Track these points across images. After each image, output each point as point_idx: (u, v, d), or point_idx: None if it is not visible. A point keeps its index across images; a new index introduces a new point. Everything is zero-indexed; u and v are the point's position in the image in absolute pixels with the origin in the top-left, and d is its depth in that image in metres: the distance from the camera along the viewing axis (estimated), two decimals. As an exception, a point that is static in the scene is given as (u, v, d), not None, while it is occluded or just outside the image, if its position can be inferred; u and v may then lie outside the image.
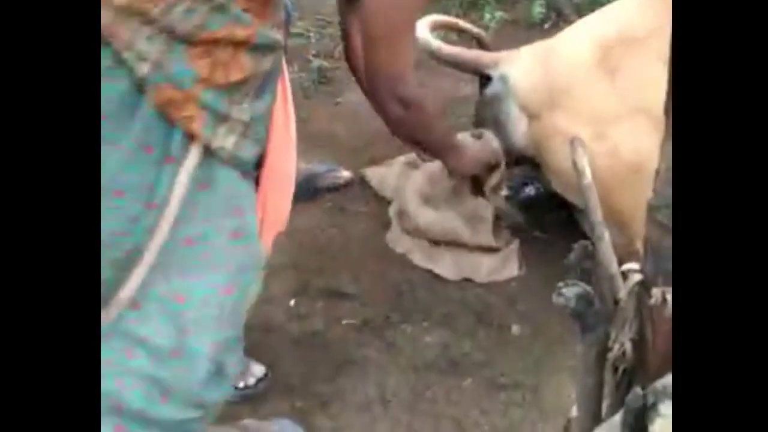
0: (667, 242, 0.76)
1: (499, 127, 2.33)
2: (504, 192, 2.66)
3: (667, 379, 0.79)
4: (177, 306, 1.16)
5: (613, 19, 2.27)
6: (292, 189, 1.36)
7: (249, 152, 1.18)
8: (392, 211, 2.49)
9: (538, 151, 2.27)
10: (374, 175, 2.64)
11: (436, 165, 2.34)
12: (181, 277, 1.15)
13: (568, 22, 3.16)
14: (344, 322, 2.16)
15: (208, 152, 1.13)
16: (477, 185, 2.34)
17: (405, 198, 2.42)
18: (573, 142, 1.00)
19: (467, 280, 2.31)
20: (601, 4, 3.07)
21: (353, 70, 2.14)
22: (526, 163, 2.42)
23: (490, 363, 2.06)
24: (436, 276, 2.32)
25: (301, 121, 2.88)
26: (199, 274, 1.17)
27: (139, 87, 1.06)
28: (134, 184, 1.09)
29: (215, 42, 1.09)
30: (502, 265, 2.33)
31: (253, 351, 2.02)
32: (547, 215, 2.52)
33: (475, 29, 2.70)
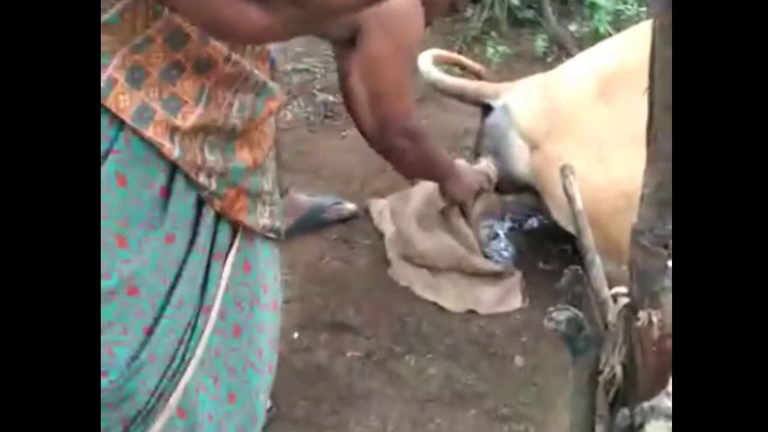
0: (652, 265, 0.78)
1: (501, 156, 2.37)
2: (508, 223, 2.71)
3: (655, 400, 0.80)
4: (228, 408, 1.12)
5: (613, 52, 2.30)
6: None
7: (279, 219, 1.17)
8: (388, 240, 2.50)
9: (538, 180, 2.30)
10: (376, 208, 2.66)
11: (431, 185, 2.39)
12: (232, 377, 1.12)
13: (571, 56, 3.19)
14: (348, 354, 2.17)
15: (247, 233, 1.10)
16: (462, 210, 2.39)
17: (403, 219, 2.44)
18: (564, 169, 1.01)
19: (471, 311, 2.32)
20: (603, 38, 3.12)
21: (350, 108, 2.19)
22: (528, 192, 2.44)
23: (494, 394, 2.05)
24: (440, 308, 2.32)
25: (305, 154, 2.96)
26: (248, 365, 1.13)
27: (202, 197, 1.03)
28: (191, 290, 1.05)
29: (255, 126, 1.08)
30: (505, 297, 2.34)
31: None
32: (551, 247, 2.53)
33: (476, 65, 2.74)
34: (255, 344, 1.13)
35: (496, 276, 2.39)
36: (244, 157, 1.06)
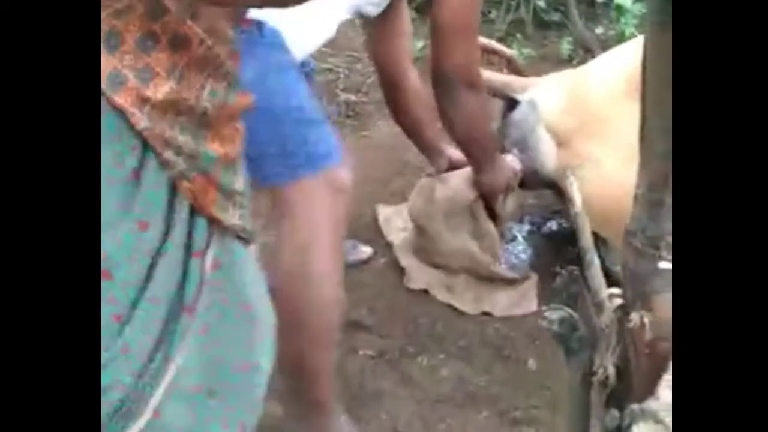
0: (643, 266, 0.77)
1: (527, 151, 2.35)
2: (527, 226, 2.69)
3: (645, 403, 0.79)
4: (199, 397, 1.10)
5: (641, 52, 2.27)
6: None
7: (249, 222, 1.16)
8: (398, 248, 2.49)
9: (565, 177, 2.27)
10: (383, 214, 2.66)
11: (458, 178, 2.34)
12: (202, 369, 1.09)
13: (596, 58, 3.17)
14: (361, 352, 2.17)
15: (221, 232, 1.09)
16: (488, 208, 2.36)
17: (428, 217, 2.40)
18: (564, 170, 1.01)
19: (485, 314, 2.31)
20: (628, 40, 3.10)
21: (390, 83, 2.25)
22: (551, 189, 2.42)
23: (506, 397, 2.05)
24: (454, 309, 2.32)
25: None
26: (219, 361, 1.11)
27: (175, 185, 1.02)
28: (167, 287, 1.03)
29: (227, 117, 1.08)
30: (521, 300, 2.33)
31: (277, 386, 2.05)
32: (568, 250, 2.52)
33: (508, 51, 2.72)
34: (224, 342, 1.13)
35: (513, 280, 2.38)
36: (215, 148, 1.06)
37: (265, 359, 1.19)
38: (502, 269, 2.39)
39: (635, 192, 0.78)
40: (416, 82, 2.26)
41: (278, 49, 1.65)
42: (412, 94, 2.25)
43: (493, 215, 2.36)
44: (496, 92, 2.49)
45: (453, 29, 1.94)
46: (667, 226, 0.74)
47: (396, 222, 2.63)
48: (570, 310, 0.87)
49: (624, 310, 0.83)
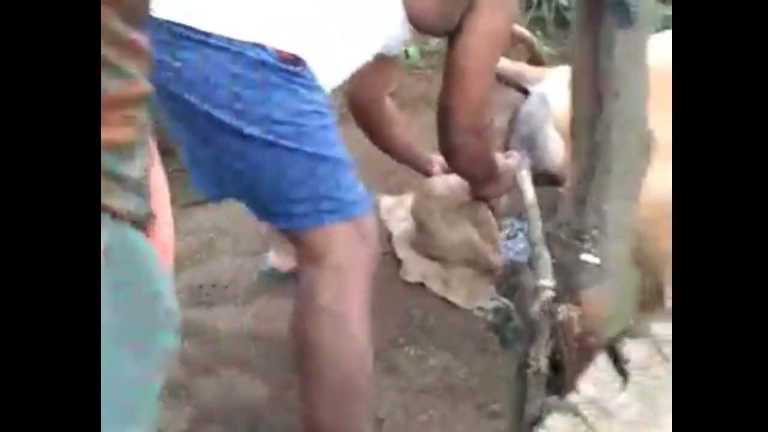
0: (569, 258, 0.78)
1: (535, 149, 2.32)
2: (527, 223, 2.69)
3: (567, 396, 0.80)
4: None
5: (655, 51, 2.24)
6: (172, 239, 1.34)
7: (145, 209, 1.17)
8: (397, 239, 2.50)
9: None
10: (384, 205, 2.67)
11: (458, 178, 2.33)
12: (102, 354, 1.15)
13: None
14: (350, 342, 2.18)
15: (119, 221, 1.06)
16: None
17: (427, 213, 2.41)
18: (519, 165, 1.01)
19: (479, 308, 2.31)
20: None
21: (365, 116, 2.30)
22: (558, 185, 2.40)
23: (490, 390, 2.04)
24: (448, 302, 2.31)
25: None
26: (114, 350, 1.16)
27: None
28: None
29: (112, 105, 1.09)
30: (514, 295, 2.33)
31: (258, 367, 2.08)
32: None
33: (526, 33, 2.67)
34: (121, 333, 1.14)
35: (507, 274, 2.38)
36: None
37: (167, 339, 1.21)
38: (501, 259, 2.39)
39: (566, 185, 0.79)
40: (393, 108, 2.31)
41: (315, 91, 1.63)
42: (387, 117, 2.29)
43: (490, 208, 2.37)
44: (508, 82, 2.45)
45: (467, 69, 1.90)
46: (591, 219, 0.75)
47: (397, 213, 2.64)
48: (506, 301, 0.88)
49: (555, 303, 0.83)
